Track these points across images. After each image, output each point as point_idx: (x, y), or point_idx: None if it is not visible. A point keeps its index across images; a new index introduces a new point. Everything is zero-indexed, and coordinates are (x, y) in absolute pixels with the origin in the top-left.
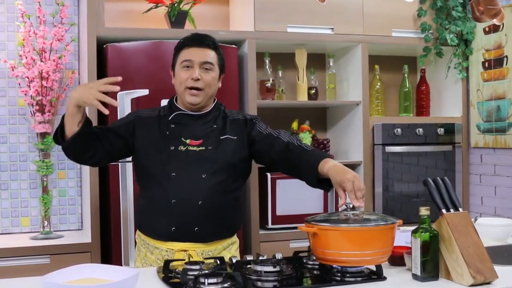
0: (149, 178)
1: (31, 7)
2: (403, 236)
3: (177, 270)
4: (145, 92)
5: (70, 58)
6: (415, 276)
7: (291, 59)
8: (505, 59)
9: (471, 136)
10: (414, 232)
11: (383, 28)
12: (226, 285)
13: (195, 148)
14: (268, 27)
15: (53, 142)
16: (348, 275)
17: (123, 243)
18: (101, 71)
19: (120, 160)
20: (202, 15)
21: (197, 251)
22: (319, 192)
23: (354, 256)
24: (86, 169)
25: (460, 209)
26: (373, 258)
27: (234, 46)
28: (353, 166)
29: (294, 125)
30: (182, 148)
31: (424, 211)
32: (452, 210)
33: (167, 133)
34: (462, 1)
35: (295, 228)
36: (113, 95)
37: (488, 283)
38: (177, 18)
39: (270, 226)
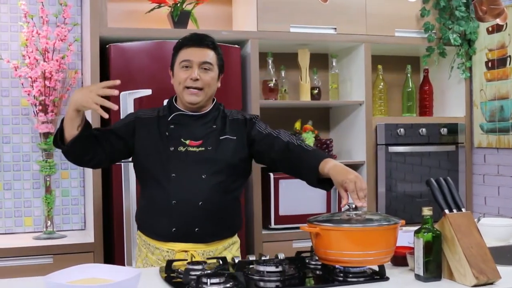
0: (149, 179)
1: (34, 7)
2: (406, 236)
3: (179, 270)
4: (148, 92)
5: (73, 58)
6: (417, 277)
7: (294, 59)
8: (508, 59)
9: (474, 136)
10: (416, 232)
11: (386, 28)
12: (228, 285)
13: (194, 149)
14: (271, 27)
15: None
16: (350, 275)
17: (125, 243)
18: (104, 71)
19: (122, 161)
20: (205, 15)
21: (198, 251)
22: (322, 192)
23: (357, 257)
24: (89, 169)
25: (463, 209)
26: (375, 259)
27: (237, 46)
28: (356, 166)
29: (297, 125)
30: (181, 148)
31: (426, 211)
32: (455, 211)
33: (167, 133)
34: (465, 1)
35: (298, 228)
36: (116, 96)
37: (491, 284)
38: (180, 18)
39: (273, 226)
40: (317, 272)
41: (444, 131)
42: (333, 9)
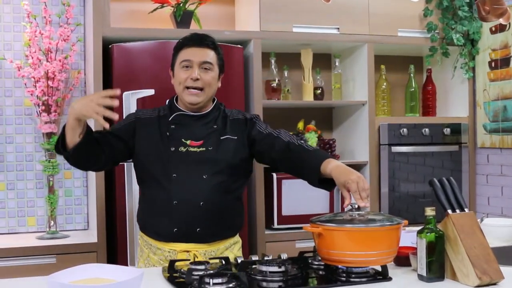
0: (149, 179)
1: (37, 7)
2: (409, 236)
3: (182, 270)
4: (151, 92)
5: (76, 58)
6: (420, 277)
7: (296, 59)
8: (511, 58)
9: (478, 136)
10: (419, 232)
11: (389, 28)
12: (231, 285)
13: (195, 149)
14: (274, 27)
15: None
16: (353, 275)
17: (128, 243)
18: (107, 71)
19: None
20: (208, 15)
21: (199, 251)
22: (325, 192)
23: (360, 257)
24: None
25: (466, 209)
26: (378, 259)
27: (239, 46)
28: (359, 166)
29: (300, 125)
30: (182, 149)
31: (429, 212)
32: (458, 211)
33: (167, 133)
34: (468, 1)
35: (301, 228)
36: (119, 96)
37: (494, 284)
38: (183, 18)
39: (276, 226)
40: (320, 272)
41: (447, 131)
42: (336, 9)
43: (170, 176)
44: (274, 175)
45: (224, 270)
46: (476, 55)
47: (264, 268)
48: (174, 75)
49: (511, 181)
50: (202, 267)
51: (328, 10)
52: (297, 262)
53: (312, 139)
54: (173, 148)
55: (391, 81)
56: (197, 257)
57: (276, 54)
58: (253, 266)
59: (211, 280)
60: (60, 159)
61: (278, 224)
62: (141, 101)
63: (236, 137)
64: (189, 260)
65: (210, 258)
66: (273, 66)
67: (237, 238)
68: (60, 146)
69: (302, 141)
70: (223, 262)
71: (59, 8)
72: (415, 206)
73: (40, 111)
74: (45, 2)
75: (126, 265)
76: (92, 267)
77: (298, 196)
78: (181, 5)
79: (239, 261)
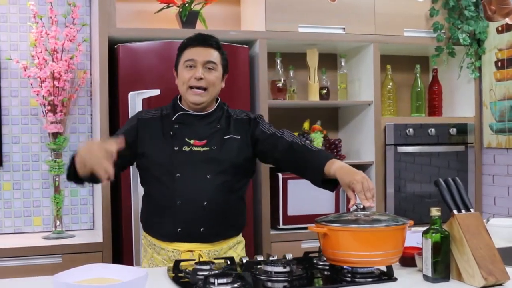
0: (153, 179)
1: (43, 7)
2: (415, 236)
3: (187, 270)
4: (157, 92)
5: (82, 58)
6: (426, 277)
7: (302, 59)
8: None
9: (484, 136)
10: (425, 233)
11: (395, 28)
12: (236, 285)
13: (199, 149)
14: (280, 27)
15: (65, 142)
16: (358, 275)
17: (134, 243)
18: (113, 71)
19: None
20: (213, 15)
21: (203, 251)
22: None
23: (365, 257)
24: None
25: (471, 209)
26: (383, 259)
27: (245, 46)
28: (364, 167)
29: (306, 125)
30: (186, 148)
31: (435, 212)
32: (463, 211)
33: (171, 133)
34: (474, 1)
35: (306, 228)
36: (125, 95)
37: (500, 285)
38: (188, 18)
39: (281, 226)
40: (325, 272)
41: (453, 131)
42: (341, 9)
43: (174, 176)
44: (280, 175)
45: (229, 270)
46: (482, 55)
47: (269, 268)
48: (178, 75)
49: None
50: (207, 267)
51: (334, 10)
52: (302, 262)
53: (317, 139)
54: (177, 148)
55: (397, 81)
56: (202, 257)
57: (281, 54)
58: (258, 266)
59: (216, 280)
60: (66, 159)
61: (283, 224)
62: (146, 101)
63: (239, 137)
64: (193, 260)
65: (215, 258)
66: (278, 66)
67: (240, 237)
68: (72, 175)
69: (306, 141)
70: (228, 262)
71: (65, 8)
72: (421, 206)
73: (46, 111)
74: (51, 3)
75: (132, 265)
76: (97, 267)
77: (303, 196)
78: (186, 5)
79: (244, 261)
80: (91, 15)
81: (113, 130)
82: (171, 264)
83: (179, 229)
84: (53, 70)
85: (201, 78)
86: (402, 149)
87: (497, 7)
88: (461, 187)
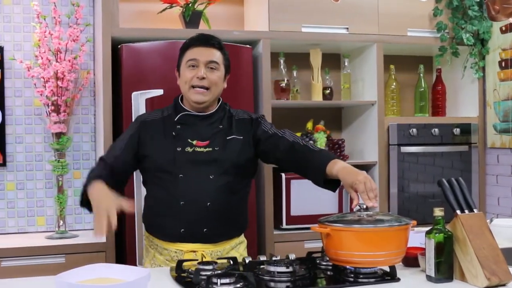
0: (156, 180)
1: (47, 8)
2: (418, 237)
3: (190, 270)
4: (160, 92)
5: (85, 58)
6: (429, 278)
7: (305, 59)
8: None
9: (488, 136)
10: (428, 233)
11: (398, 28)
12: (238, 285)
13: (202, 149)
14: (283, 27)
15: (68, 142)
16: (361, 276)
17: (137, 243)
18: (116, 71)
19: None
20: (217, 15)
21: (206, 251)
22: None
23: (368, 257)
24: None
25: (474, 210)
26: (386, 259)
27: (248, 46)
28: (368, 167)
29: (309, 125)
30: (189, 149)
31: (438, 212)
32: (466, 211)
33: (173, 134)
34: (478, 0)
35: (310, 228)
36: (128, 95)
37: (503, 285)
38: (192, 18)
39: (284, 226)
40: (328, 272)
41: (457, 131)
42: (345, 9)
43: (177, 177)
44: (283, 175)
45: (231, 270)
46: (486, 54)
47: (272, 268)
48: (180, 75)
49: None
50: (210, 267)
51: (337, 10)
52: (305, 262)
53: (321, 139)
54: (179, 149)
55: (400, 81)
56: (205, 257)
57: (285, 54)
58: (261, 266)
59: (218, 280)
60: (69, 159)
61: (286, 224)
62: (150, 101)
63: (242, 137)
64: (196, 260)
65: (218, 258)
66: (282, 66)
67: (242, 238)
68: (85, 203)
69: (309, 142)
70: (231, 262)
71: (68, 9)
72: (425, 206)
73: (50, 111)
74: (54, 3)
75: (135, 265)
76: (100, 267)
77: (306, 196)
78: (190, 5)
79: (247, 261)
80: (94, 15)
81: (116, 130)
82: (174, 264)
83: (182, 229)
84: (57, 70)
85: (203, 78)
86: (406, 149)
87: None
88: (464, 187)
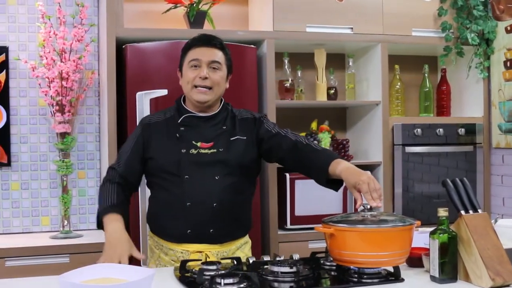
0: (161, 182)
1: (51, 8)
2: (422, 237)
3: (193, 270)
4: (164, 92)
5: (90, 58)
6: (433, 278)
7: (310, 59)
8: None
9: (493, 136)
10: (432, 233)
11: (403, 28)
12: (242, 285)
13: (206, 151)
14: (287, 27)
15: (72, 142)
16: (365, 276)
17: (141, 243)
18: (121, 72)
19: None
20: (221, 15)
21: (212, 252)
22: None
23: (371, 257)
24: (105, 169)
25: (479, 210)
26: (390, 260)
27: (253, 46)
28: (372, 167)
29: (313, 125)
30: (193, 151)
31: (442, 212)
32: (471, 211)
33: (177, 135)
34: (483, 0)
35: (314, 228)
36: (133, 96)
37: (507, 286)
38: (196, 18)
39: (288, 226)
40: (332, 273)
41: (461, 131)
42: (349, 8)
43: (183, 178)
44: (287, 175)
45: (235, 270)
46: (491, 54)
47: (275, 268)
48: (182, 75)
49: None
50: (214, 267)
51: (341, 10)
52: (309, 262)
53: (325, 139)
54: (184, 150)
55: (405, 81)
56: (209, 257)
57: (289, 54)
58: (265, 267)
59: (222, 280)
60: (74, 159)
61: (291, 224)
62: (154, 101)
63: (245, 137)
64: (200, 260)
65: (222, 258)
66: (286, 66)
67: (247, 238)
68: (101, 226)
69: (315, 141)
70: (235, 262)
71: (73, 9)
72: (429, 206)
73: (54, 111)
74: (59, 3)
75: (139, 265)
76: (103, 266)
77: (311, 196)
78: (194, 5)
79: (250, 261)
80: (99, 15)
81: (120, 130)
82: (178, 264)
83: (189, 230)
84: (61, 70)
85: (206, 78)
86: (410, 149)
87: (505, 6)
88: (469, 188)
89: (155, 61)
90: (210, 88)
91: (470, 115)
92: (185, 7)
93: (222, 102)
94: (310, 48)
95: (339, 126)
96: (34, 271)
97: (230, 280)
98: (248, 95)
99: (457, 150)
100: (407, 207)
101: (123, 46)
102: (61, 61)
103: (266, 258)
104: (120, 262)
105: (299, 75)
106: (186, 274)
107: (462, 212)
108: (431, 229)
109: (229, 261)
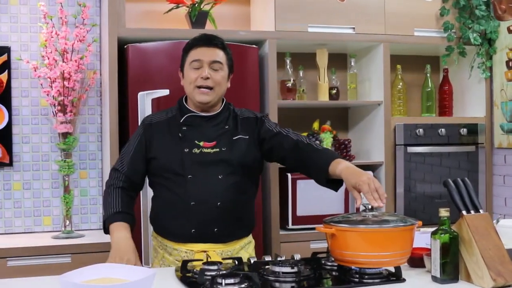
0: (164, 181)
1: (53, 8)
2: (423, 237)
3: (195, 270)
4: (166, 92)
5: (92, 58)
6: (434, 278)
7: (312, 59)
8: None
9: (495, 136)
10: (433, 233)
11: (405, 28)
12: (243, 285)
13: (209, 150)
14: (289, 27)
15: (74, 142)
16: (366, 276)
17: (143, 243)
18: (122, 72)
19: None
20: (223, 15)
21: (216, 251)
22: (340, 192)
23: (373, 258)
24: (107, 169)
25: (481, 210)
26: (392, 260)
27: (254, 46)
28: (374, 167)
29: (315, 125)
30: (196, 150)
31: (443, 213)
32: (472, 212)
33: (180, 135)
34: (485, 0)
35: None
36: (134, 96)
37: (509, 286)
38: (198, 18)
39: (290, 226)
40: (333, 273)
41: (464, 131)
42: (351, 8)
43: (186, 178)
44: (289, 175)
45: (236, 270)
46: (493, 54)
47: (277, 268)
48: (183, 76)
49: None
50: (215, 267)
51: (343, 10)
52: (310, 262)
53: (327, 140)
54: (187, 150)
55: (407, 81)
56: (210, 257)
57: (291, 54)
58: (266, 267)
59: (223, 280)
60: (75, 159)
61: (292, 224)
62: (156, 102)
63: (247, 137)
64: (201, 260)
65: (223, 259)
66: (288, 66)
67: (250, 237)
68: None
69: (316, 141)
70: (236, 262)
71: (75, 9)
72: (431, 206)
73: (56, 111)
74: (61, 3)
75: (141, 265)
76: (104, 267)
77: (313, 196)
78: (196, 5)
79: (252, 261)
80: (101, 15)
81: (122, 130)
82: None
83: (193, 230)
84: (63, 71)
85: (207, 78)
86: (412, 149)
87: (507, 6)
88: (470, 188)
89: (157, 61)
90: (211, 89)
91: (472, 115)
92: (187, 7)
93: (224, 102)
94: (312, 48)
95: (341, 126)
96: (36, 271)
97: (231, 280)
98: (250, 95)
99: (459, 150)
100: (409, 207)
101: (125, 46)
102: (63, 61)
103: (268, 258)
104: None
105: (301, 75)
106: (188, 274)
107: (464, 212)
108: (433, 229)
109: (230, 261)
